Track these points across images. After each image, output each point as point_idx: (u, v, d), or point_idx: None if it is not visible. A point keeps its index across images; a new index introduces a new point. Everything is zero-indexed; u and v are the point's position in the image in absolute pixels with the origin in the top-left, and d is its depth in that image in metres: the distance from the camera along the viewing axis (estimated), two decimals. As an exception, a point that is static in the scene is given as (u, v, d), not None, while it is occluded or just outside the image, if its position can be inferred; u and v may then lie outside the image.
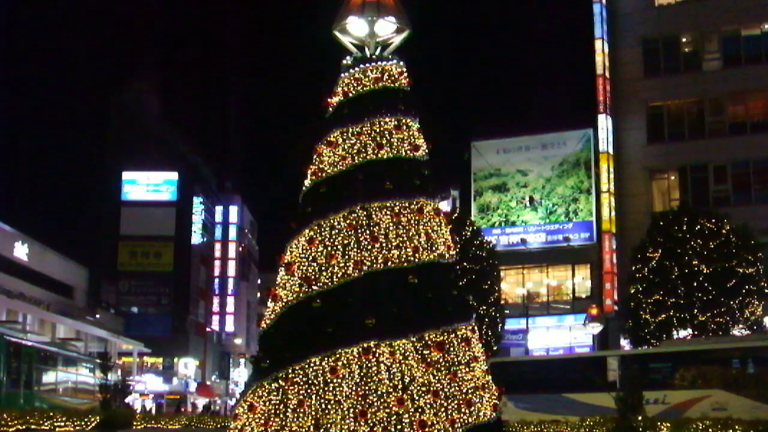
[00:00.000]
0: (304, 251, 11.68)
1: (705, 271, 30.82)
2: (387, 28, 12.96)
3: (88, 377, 33.33)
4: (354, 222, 11.55)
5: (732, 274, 30.71)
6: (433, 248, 11.76)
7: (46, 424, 17.09)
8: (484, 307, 34.43)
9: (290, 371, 10.95)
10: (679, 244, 31.47)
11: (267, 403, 11.07)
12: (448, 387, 10.97)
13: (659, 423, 14.91)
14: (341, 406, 10.62)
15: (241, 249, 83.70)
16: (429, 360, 10.97)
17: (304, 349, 10.98)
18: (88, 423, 17.84)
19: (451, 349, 11.23)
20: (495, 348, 35.66)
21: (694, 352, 24.52)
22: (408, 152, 12.11)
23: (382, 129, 12.06)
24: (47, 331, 38.97)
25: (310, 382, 10.84)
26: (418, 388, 10.74)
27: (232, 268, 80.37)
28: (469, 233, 35.94)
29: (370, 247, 11.37)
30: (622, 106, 45.02)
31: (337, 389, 10.71)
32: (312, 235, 11.66)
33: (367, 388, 10.64)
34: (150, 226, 65.87)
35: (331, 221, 11.63)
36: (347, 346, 10.84)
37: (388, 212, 11.61)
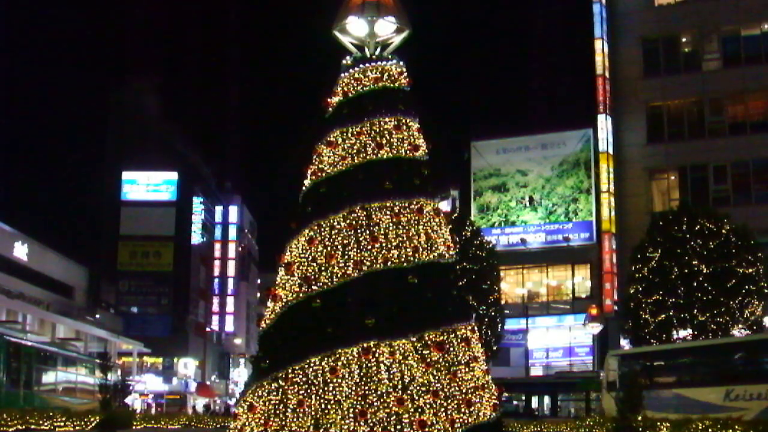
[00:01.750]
0: (304, 251, 11.67)
1: (705, 271, 30.74)
2: (387, 28, 12.96)
3: (87, 377, 33.29)
4: (354, 222, 11.55)
5: (732, 274, 30.64)
6: (433, 248, 11.76)
7: (45, 424, 17.08)
8: (484, 307, 34.41)
9: (290, 371, 10.95)
10: (679, 244, 31.41)
11: (267, 403, 11.07)
12: (448, 387, 10.97)
13: (659, 423, 14.85)
14: (341, 406, 10.62)
15: (241, 249, 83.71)
16: (429, 360, 10.97)
17: (304, 349, 10.98)
18: (88, 423, 17.83)
19: (451, 349, 11.23)
20: (495, 348, 35.64)
21: None
22: (408, 152, 12.11)
23: (381, 129, 12.07)
24: (47, 331, 38.93)
25: (309, 382, 10.84)
26: (418, 388, 10.74)
27: (231, 268, 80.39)
28: (469, 233, 35.90)
29: (369, 247, 11.37)
30: (622, 106, 45.01)
31: (337, 389, 10.71)
32: (312, 235, 11.67)
33: (367, 388, 10.64)
34: (150, 226, 65.89)
35: (331, 221, 11.63)
36: (347, 346, 10.84)
37: (388, 212, 11.61)
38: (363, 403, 10.57)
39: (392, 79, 12.45)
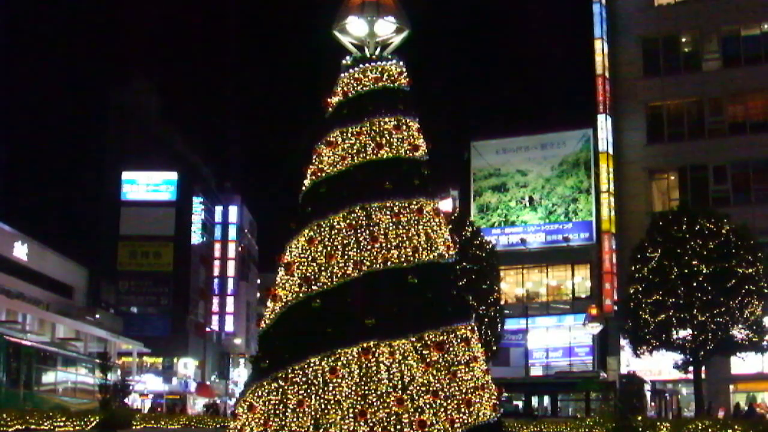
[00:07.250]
0: (304, 251, 11.68)
1: (705, 271, 30.71)
2: (386, 28, 12.97)
3: (87, 377, 33.33)
4: (353, 222, 11.56)
5: (732, 274, 30.61)
6: (433, 248, 11.76)
7: (45, 424, 17.07)
8: (484, 307, 34.37)
9: (290, 371, 10.95)
10: (679, 244, 31.38)
11: (266, 403, 11.07)
12: (448, 387, 10.97)
13: (659, 423, 14.87)
14: (341, 406, 10.62)
15: (240, 249, 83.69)
16: (428, 360, 10.97)
17: (304, 349, 10.98)
18: (88, 423, 17.83)
19: (451, 349, 11.23)
20: (495, 348, 35.63)
21: None
22: (408, 152, 12.12)
23: (381, 129, 12.08)
24: (47, 331, 38.95)
25: (309, 382, 10.84)
26: (418, 388, 10.75)
27: (231, 268, 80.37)
28: (468, 233, 35.85)
29: (369, 247, 11.37)
30: (621, 106, 45.00)
31: (337, 389, 10.71)
32: (312, 235, 11.67)
33: (366, 388, 10.65)
34: (150, 226, 65.91)
35: (331, 221, 11.63)
36: (347, 346, 10.84)
37: (388, 212, 11.61)
38: (363, 403, 10.57)
39: (392, 79, 12.46)
